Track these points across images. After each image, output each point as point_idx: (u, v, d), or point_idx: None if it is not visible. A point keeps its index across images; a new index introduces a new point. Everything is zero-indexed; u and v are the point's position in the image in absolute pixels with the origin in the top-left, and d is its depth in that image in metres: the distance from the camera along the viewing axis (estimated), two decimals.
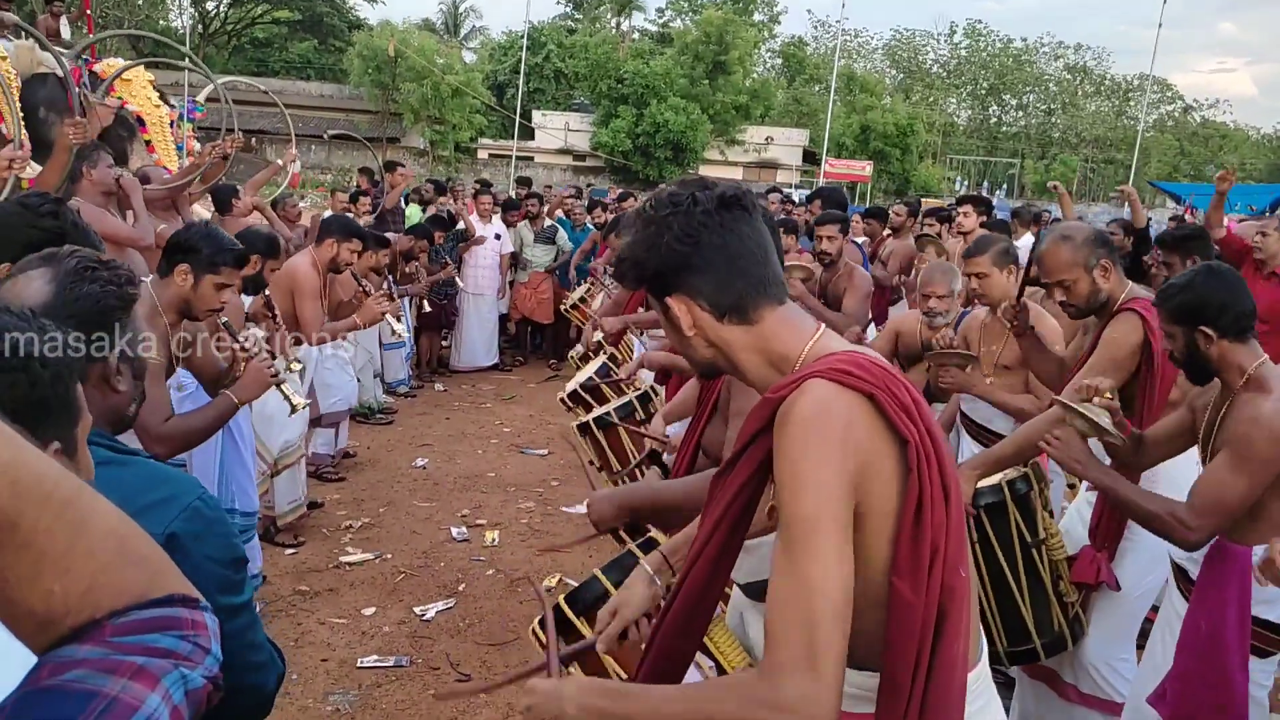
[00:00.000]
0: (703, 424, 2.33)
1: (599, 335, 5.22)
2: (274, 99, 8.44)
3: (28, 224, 2.18)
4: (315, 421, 5.45)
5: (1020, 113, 50.99)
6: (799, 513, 1.16)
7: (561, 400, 4.59)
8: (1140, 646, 2.86)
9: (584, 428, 3.91)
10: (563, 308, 7.60)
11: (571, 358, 5.81)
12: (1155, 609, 2.78)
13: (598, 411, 4.00)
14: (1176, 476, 2.55)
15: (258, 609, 1.98)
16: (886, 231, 7.40)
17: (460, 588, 4.28)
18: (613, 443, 3.83)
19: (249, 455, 3.79)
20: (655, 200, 1.35)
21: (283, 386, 3.20)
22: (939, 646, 1.22)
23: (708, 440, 2.30)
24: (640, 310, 5.24)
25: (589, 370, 4.66)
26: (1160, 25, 20.59)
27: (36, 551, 0.64)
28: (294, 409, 3.44)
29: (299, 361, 3.95)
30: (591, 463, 4.01)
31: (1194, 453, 2.47)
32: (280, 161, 7.37)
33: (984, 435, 3.70)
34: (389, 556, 4.57)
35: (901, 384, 1.26)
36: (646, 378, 4.91)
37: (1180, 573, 2.48)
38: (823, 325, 1.38)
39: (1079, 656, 2.85)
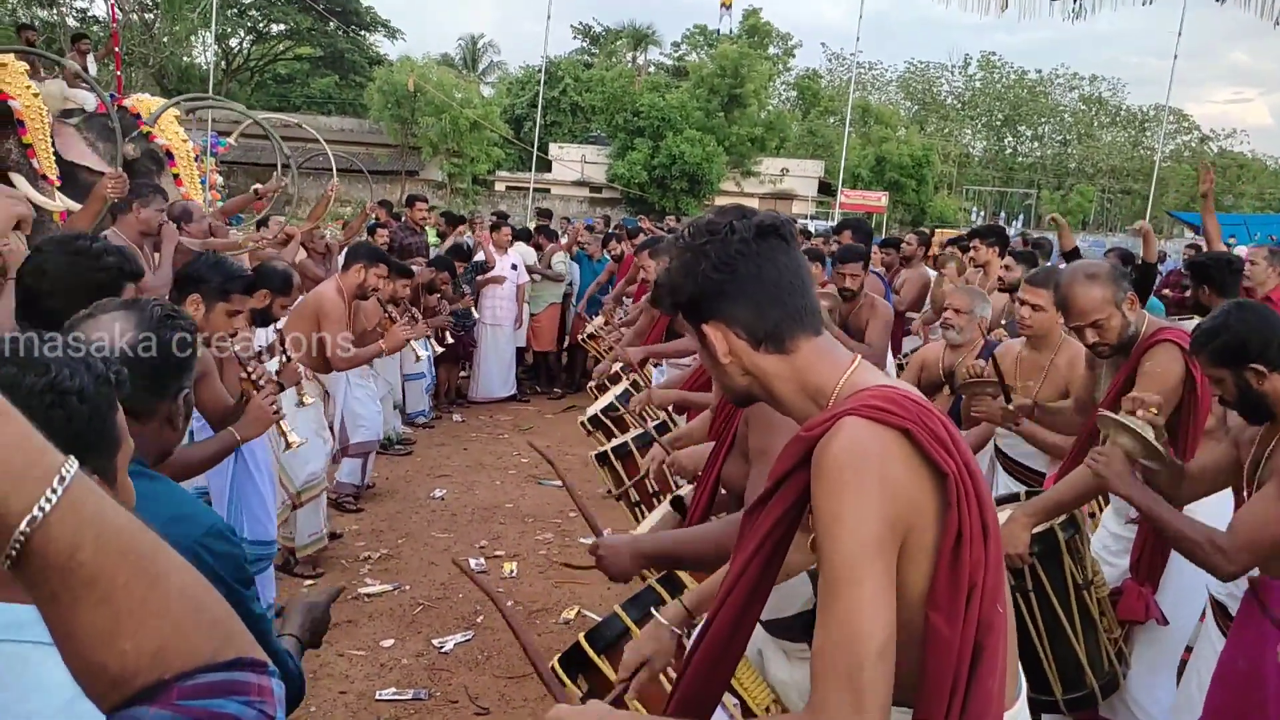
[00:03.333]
0: (721, 460, 2.30)
1: (618, 365, 5.22)
2: (314, 134, 8.56)
3: (93, 269, 2.28)
4: (343, 451, 5.52)
5: (1036, 143, 51.02)
6: (841, 553, 1.16)
7: (582, 424, 4.62)
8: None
9: (602, 457, 3.91)
10: (580, 338, 7.64)
11: (590, 388, 5.83)
12: (1189, 649, 2.73)
13: (615, 441, 4.00)
14: (1215, 514, 2.49)
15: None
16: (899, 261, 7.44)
17: (478, 619, 4.25)
18: (631, 472, 3.82)
19: (266, 484, 3.78)
20: (693, 227, 1.36)
21: (281, 423, 3.20)
22: (974, 682, 1.20)
23: (727, 476, 2.28)
24: (664, 340, 5.26)
25: (610, 396, 4.67)
26: (1176, 56, 20.54)
27: (114, 608, 0.63)
28: (288, 446, 3.45)
29: (311, 397, 3.95)
30: (610, 492, 4.00)
31: (1228, 490, 2.42)
32: (328, 192, 7.47)
33: (1020, 472, 3.64)
34: (407, 588, 4.56)
35: (937, 417, 1.26)
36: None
37: (1219, 609, 2.42)
38: (858, 357, 1.37)
39: (1122, 691, 2.80)
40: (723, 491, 2.34)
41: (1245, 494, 2.32)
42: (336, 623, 4.13)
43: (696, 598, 1.90)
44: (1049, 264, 5.96)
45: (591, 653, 2.11)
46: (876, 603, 1.14)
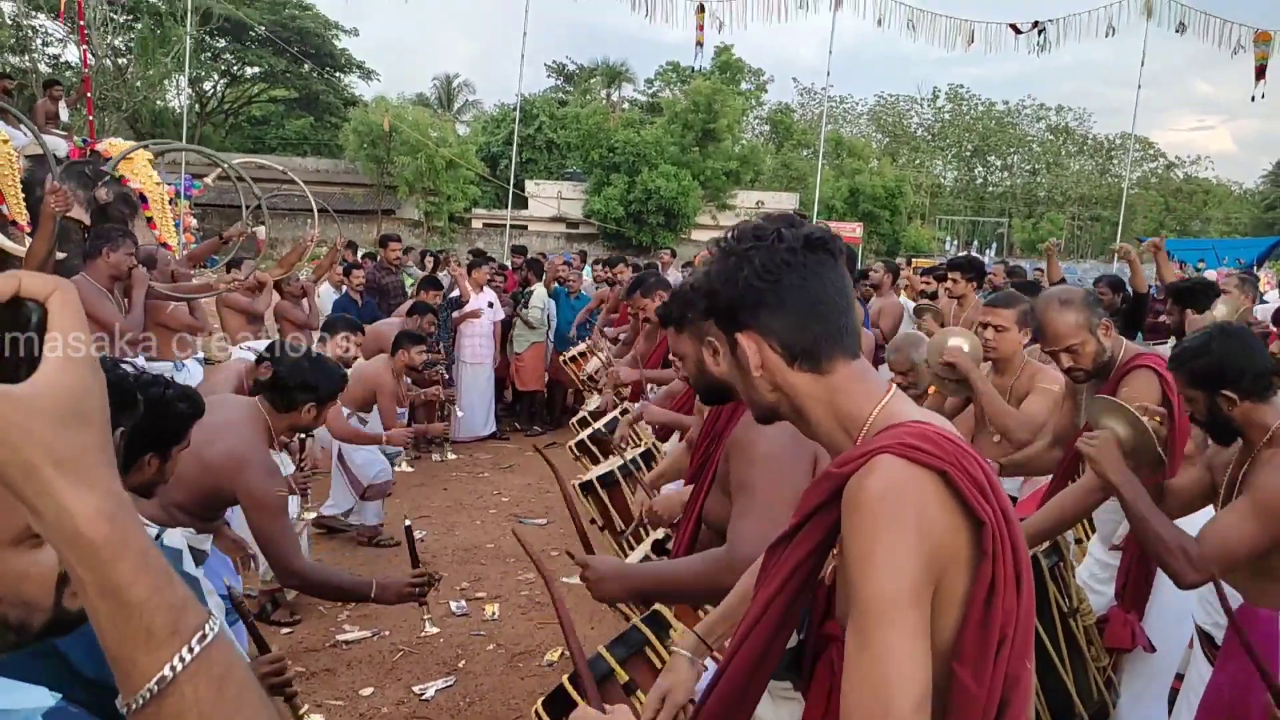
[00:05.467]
0: (703, 497, 2.28)
1: (605, 393, 5.24)
2: (292, 176, 8.56)
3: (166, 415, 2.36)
4: (363, 495, 5.72)
5: (1006, 173, 51.82)
6: (874, 597, 1.09)
7: (570, 448, 4.61)
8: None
9: (587, 486, 3.86)
10: (561, 358, 7.73)
11: (572, 424, 5.81)
12: (1180, 677, 2.71)
13: (600, 470, 3.95)
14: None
15: None
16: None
17: (460, 664, 4.17)
18: (616, 501, 3.78)
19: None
20: (739, 231, 1.29)
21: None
22: None
23: (708, 512, 2.25)
24: (662, 366, 5.26)
25: (601, 424, 4.69)
26: (1140, 86, 20.96)
27: None
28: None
29: (310, 511, 3.97)
30: (593, 521, 3.96)
31: (1210, 511, 2.42)
32: (305, 241, 7.43)
33: None
34: (387, 633, 4.46)
35: (974, 460, 1.19)
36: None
37: (1206, 639, 2.41)
38: (894, 387, 1.31)
39: None
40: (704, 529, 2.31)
41: None
42: (314, 672, 4.04)
43: (708, 627, 1.85)
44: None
45: (575, 695, 2.06)
46: (913, 651, 1.07)
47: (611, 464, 3.95)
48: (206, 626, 0.64)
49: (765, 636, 1.31)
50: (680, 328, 2.27)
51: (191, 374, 5.28)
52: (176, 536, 2.12)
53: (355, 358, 5.56)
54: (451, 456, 8.12)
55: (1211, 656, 2.36)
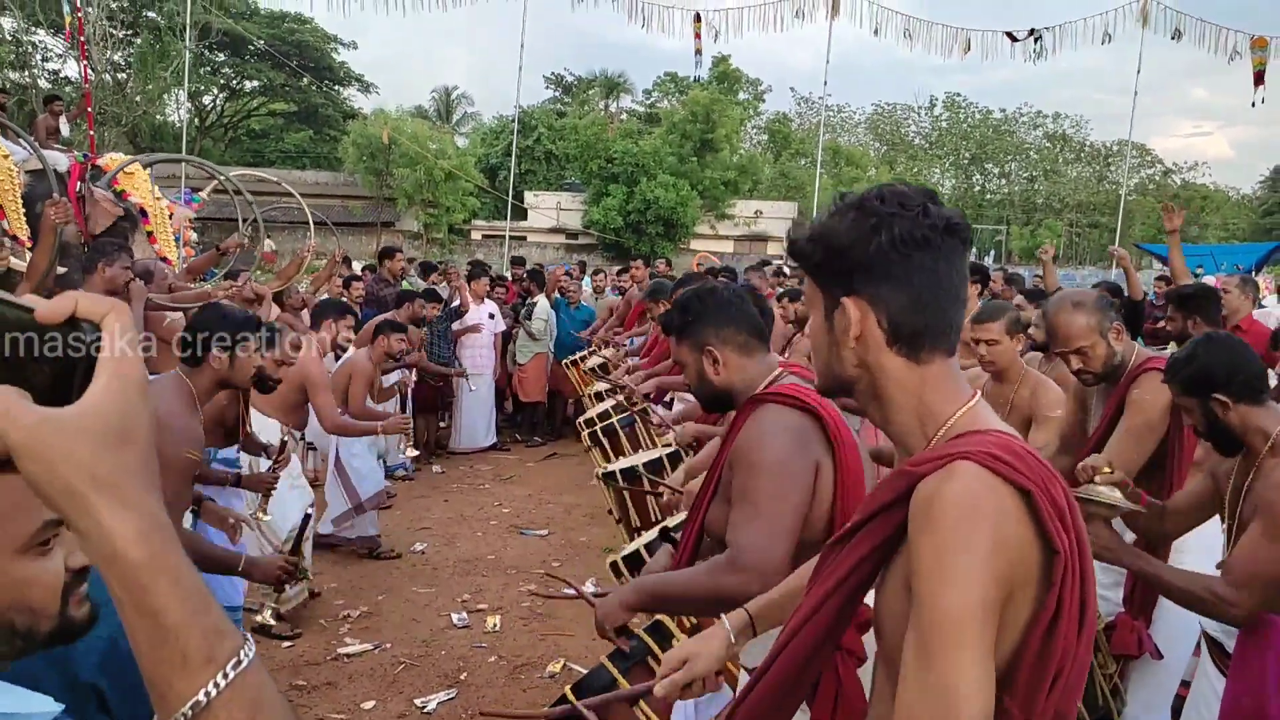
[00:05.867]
0: (706, 504, 2.26)
1: (616, 373, 5.35)
2: (288, 189, 8.58)
3: None
4: (358, 508, 5.71)
5: (1003, 180, 51.88)
6: (943, 611, 1.03)
7: (578, 425, 4.67)
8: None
9: (609, 477, 3.85)
10: (564, 363, 7.84)
11: (579, 423, 5.84)
12: (1186, 684, 2.70)
13: (625, 463, 3.95)
14: (1210, 545, 2.47)
15: None
16: None
17: (462, 676, 4.15)
18: (635, 498, 3.78)
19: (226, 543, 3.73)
20: (883, 193, 1.19)
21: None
22: None
23: (710, 521, 2.23)
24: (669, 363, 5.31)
25: (605, 406, 4.76)
26: (1136, 93, 21.01)
27: None
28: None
29: (267, 514, 4.01)
30: (609, 511, 3.97)
31: (1217, 520, 2.41)
32: (303, 253, 7.44)
33: None
34: (388, 646, 4.45)
35: (1058, 482, 1.12)
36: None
37: (1214, 645, 2.39)
38: (979, 394, 1.24)
39: None
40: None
41: (1229, 525, 2.30)
42: (315, 686, 4.02)
43: (762, 605, 1.77)
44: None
45: (578, 704, 2.05)
46: (978, 675, 1.01)
47: (637, 459, 3.95)
48: (242, 653, 0.65)
49: (815, 637, 1.26)
50: (681, 337, 2.26)
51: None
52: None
53: (348, 342, 5.61)
54: (437, 470, 8.10)
55: (1222, 665, 2.34)
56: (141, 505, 0.62)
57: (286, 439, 4.50)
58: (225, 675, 0.63)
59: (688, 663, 1.66)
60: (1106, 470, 2.27)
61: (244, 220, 7.18)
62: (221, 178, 7.75)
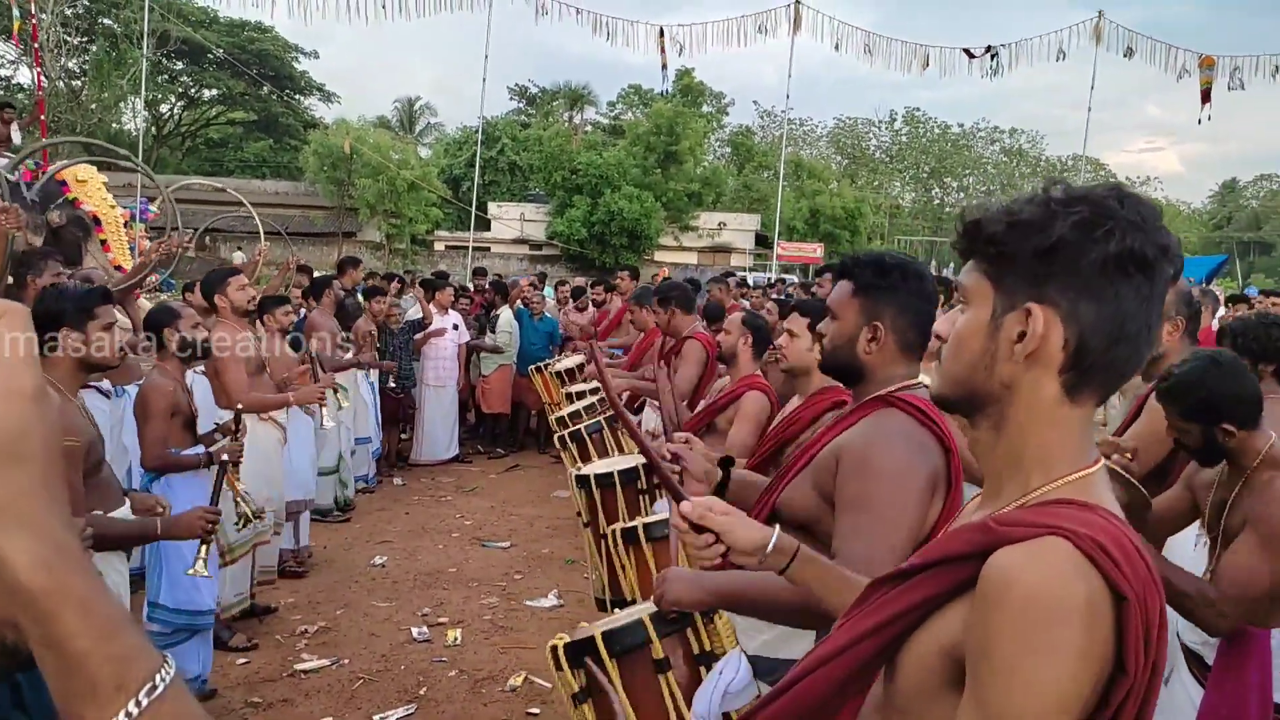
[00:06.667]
0: (783, 485, 2.00)
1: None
2: (238, 197, 8.50)
3: None
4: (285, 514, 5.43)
5: (962, 194, 52.65)
6: (1013, 714, 0.91)
7: (552, 424, 4.70)
8: None
9: (582, 480, 3.84)
10: (530, 368, 7.88)
11: (552, 421, 5.81)
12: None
13: (602, 467, 3.94)
14: (1180, 556, 2.48)
15: None
16: None
17: (422, 691, 4.10)
18: (607, 501, 3.77)
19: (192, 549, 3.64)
20: (1121, 195, 1.00)
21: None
22: None
23: (787, 501, 1.97)
24: (650, 366, 5.33)
25: (579, 405, 4.81)
26: (1090, 109, 21.49)
27: None
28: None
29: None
30: (578, 514, 3.97)
31: (1190, 530, 2.43)
32: (255, 257, 7.35)
33: None
34: (346, 661, 4.38)
35: (1158, 591, 0.96)
36: (650, 420, 5.00)
37: (1193, 657, 2.39)
38: (1102, 462, 1.06)
39: None
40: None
41: (1211, 537, 2.30)
42: (271, 703, 3.95)
43: (808, 561, 1.49)
44: None
45: (605, 653, 2.00)
46: None
47: (612, 465, 3.95)
48: (157, 677, 0.61)
49: (841, 675, 1.12)
50: (858, 292, 1.96)
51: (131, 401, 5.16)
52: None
53: (289, 327, 5.72)
54: (398, 482, 8.03)
55: (1200, 676, 2.34)
56: (40, 529, 0.58)
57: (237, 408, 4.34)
58: (138, 703, 0.60)
59: (730, 518, 1.49)
60: (1128, 457, 2.27)
61: (171, 229, 7.07)
62: (165, 193, 7.62)
